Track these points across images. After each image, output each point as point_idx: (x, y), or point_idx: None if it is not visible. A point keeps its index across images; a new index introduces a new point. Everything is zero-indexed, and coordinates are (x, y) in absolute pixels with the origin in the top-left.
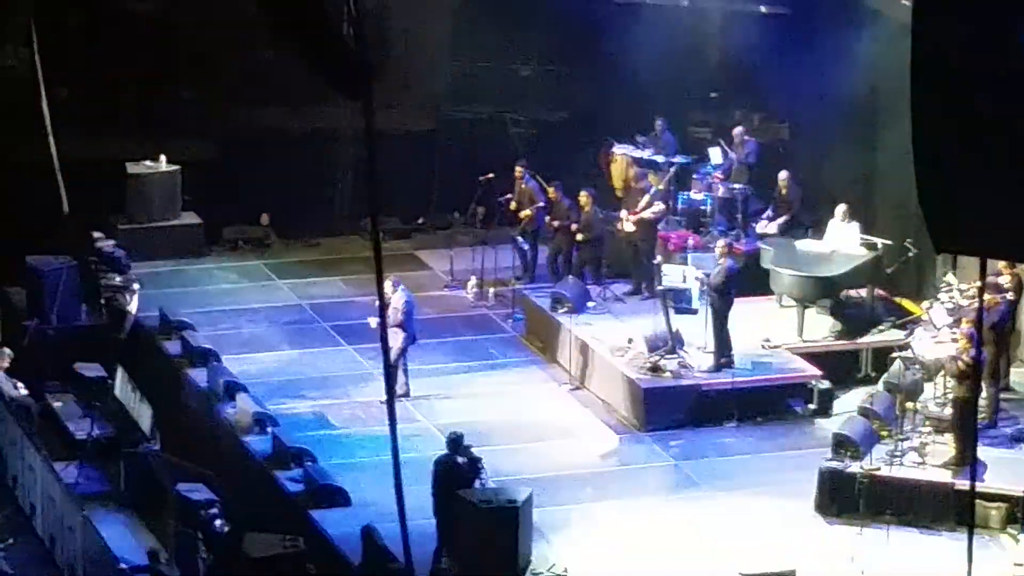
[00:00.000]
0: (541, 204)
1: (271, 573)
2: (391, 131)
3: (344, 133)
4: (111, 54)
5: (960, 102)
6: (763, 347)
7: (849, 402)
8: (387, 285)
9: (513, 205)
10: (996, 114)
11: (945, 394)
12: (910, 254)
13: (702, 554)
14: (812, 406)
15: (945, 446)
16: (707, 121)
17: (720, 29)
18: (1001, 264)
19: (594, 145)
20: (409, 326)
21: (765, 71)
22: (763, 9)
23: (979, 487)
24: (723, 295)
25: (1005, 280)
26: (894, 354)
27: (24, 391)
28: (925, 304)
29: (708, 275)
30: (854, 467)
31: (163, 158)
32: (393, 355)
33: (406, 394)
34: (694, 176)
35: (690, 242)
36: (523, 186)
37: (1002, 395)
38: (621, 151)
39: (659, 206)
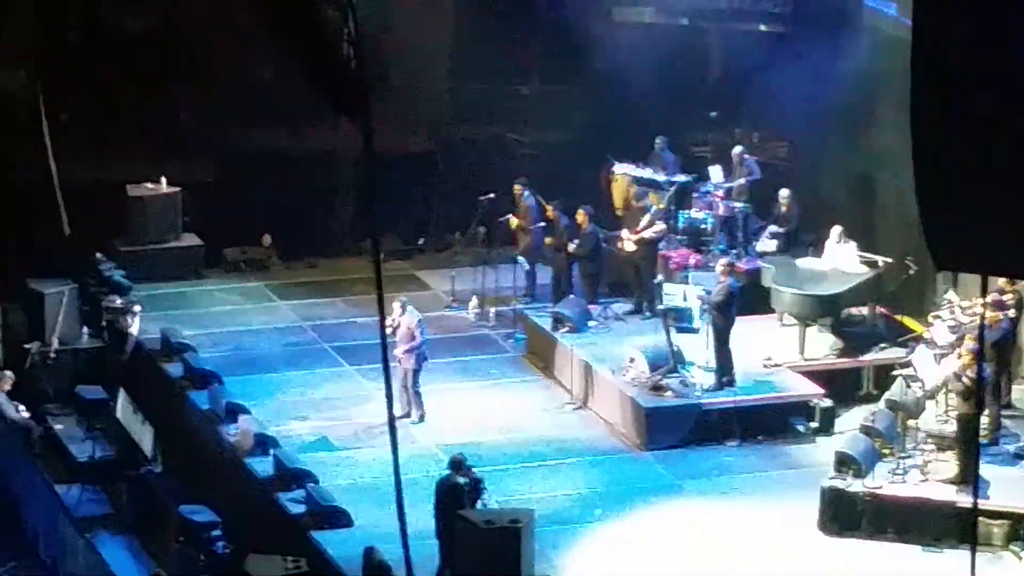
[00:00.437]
0: (542, 224)
1: None
2: (391, 151)
3: (345, 154)
4: (111, 76)
5: (960, 102)
6: (765, 366)
7: (851, 420)
8: (396, 307)
9: (514, 222)
10: (996, 114)
11: (947, 412)
12: (911, 272)
13: (706, 573)
14: (814, 424)
15: (947, 463)
16: (707, 140)
17: (719, 48)
18: (1002, 281)
19: (594, 164)
20: (420, 346)
21: (764, 89)
22: (762, 27)
23: (982, 504)
24: (724, 314)
25: (1008, 297)
26: (896, 372)
27: (26, 413)
28: (931, 317)
29: (709, 294)
30: (856, 485)
31: (164, 180)
32: (410, 379)
33: (421, 418)
34: (694, 195)
35: (691, 261)
36: (523, 203)
37: (1003, 412)
38: (622, 170)
39: (660, 225)
